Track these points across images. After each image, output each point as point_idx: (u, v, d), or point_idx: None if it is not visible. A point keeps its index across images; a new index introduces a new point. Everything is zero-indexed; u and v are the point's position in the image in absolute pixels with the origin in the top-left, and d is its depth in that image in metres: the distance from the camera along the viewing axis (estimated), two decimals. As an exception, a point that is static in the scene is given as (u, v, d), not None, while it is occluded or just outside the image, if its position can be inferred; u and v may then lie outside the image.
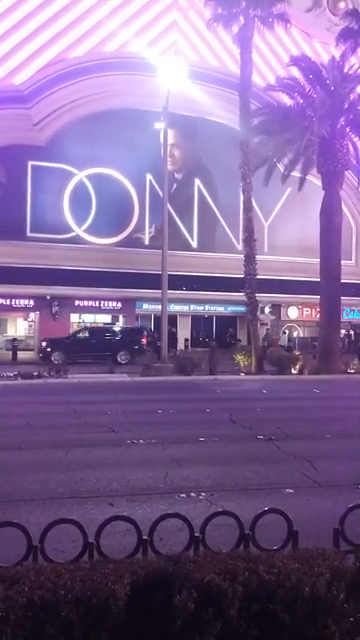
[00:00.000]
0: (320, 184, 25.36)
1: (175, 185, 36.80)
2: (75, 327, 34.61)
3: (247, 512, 4.46)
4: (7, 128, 32.14)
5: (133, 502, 6.28)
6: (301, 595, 2.77)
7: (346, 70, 24.56)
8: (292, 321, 41.78)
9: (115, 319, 38.02)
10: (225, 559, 2.97)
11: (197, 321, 40.54)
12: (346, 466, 7.96)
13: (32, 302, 34.53)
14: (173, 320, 34.73)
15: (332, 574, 2.92)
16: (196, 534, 3.40)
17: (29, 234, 33.73)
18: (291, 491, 6.74)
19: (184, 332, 38.40)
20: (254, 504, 5.96)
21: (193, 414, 12.70)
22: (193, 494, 6.57)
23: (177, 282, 30.04)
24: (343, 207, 26.66)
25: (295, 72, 26.00)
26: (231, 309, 38.64)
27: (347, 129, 24.35)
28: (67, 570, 2.81)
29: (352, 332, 40.61)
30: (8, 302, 34.21)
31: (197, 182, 37.82)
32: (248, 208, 24.67)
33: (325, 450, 8.99)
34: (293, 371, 22.93)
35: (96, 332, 31.32)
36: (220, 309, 39.68)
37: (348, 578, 2.99)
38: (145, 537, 3.33)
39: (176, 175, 37.31)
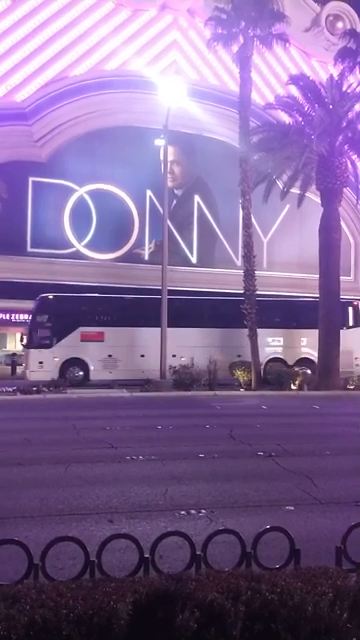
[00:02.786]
0: (319, 201, 25.53)
1: (175, 201, 37.02)
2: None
3: (247, 529, 4.45)
4: (8, 144, 32.40)
5: (133, 519, 6.24)
6: (304, 615, 2.75)
7: (344, 89, 24.83)
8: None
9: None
10: (227, 578, 2.96)
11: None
12: (346, 483, 7.92)
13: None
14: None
15: (335, 593, 2.91)
16: (197, 552, 3.39)
17: (29, 249, 33.84)
18: (291, 508, 6.70)
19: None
20: (254, 521, 5.93)
21: (192, 430, 12.66)
22: (193, 511, 6.54)
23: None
24: (342, 224, 26.80)
25: (294, 91, 26.29)
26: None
27: (345, 147, 24.56)
28: (69, 589, 2.80)
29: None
30: (8, 317, 34.22)
31: (197, 198, 38.06)
32: (247, 224, 24.82)
33: (325, 467, 8.95)
34: (293, 387, 22.90)
35: None
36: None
37: (351, 597, 2.97)
38: (147, 555, 3.32)
39: (176, 191, 37.54)
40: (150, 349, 23.70)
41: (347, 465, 9.16)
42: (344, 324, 26.17)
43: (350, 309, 27.40)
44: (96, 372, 24.53)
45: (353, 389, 23.17)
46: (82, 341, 24.67)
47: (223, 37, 25.02)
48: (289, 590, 2.86)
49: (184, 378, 22.17)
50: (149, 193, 35.71)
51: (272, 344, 26.22)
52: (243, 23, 24.45)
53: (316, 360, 24.49)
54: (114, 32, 35.27)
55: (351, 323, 27.07)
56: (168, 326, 23.18)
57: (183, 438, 11.51)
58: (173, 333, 23.35)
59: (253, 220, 25.58)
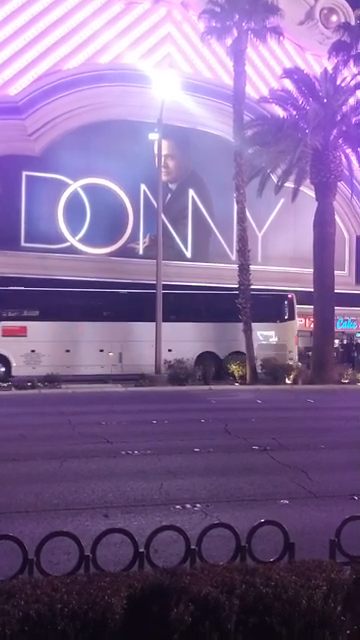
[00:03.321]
0: (313, 195, 25.52)
1: (169, 195, 36.90)
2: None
3: (242, 523, 4.46)
4: (1, 138, 32.19)
5: (128, 513, 6.26)
6: (298, 608, 2.77)
7: (338, 82, 24.81)
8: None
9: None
10: (222, 572, 2.97)
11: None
12: (341, 476, 7.96)
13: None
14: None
15: (329, 586, 2.92)
16: (192, 546, 3.40)
17: (23, 244, 33.67)
18: (286, 502, 6.74)
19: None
20: (249, 515, 5.96)
21: (188, 424, 12.68)
22: (188, 505, 6.56)
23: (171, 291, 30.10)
24: (336, 218, 26.83)
25: (288, 84, 26.25)
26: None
27: (340, 141, 24.56)
28: (63, 583, 2.80)
29: (345, 342, 40.67)
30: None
31: (191, 192, 37.94)
32: (242, 219, 24.80)
33: (320, 460, 8.99)
34: (287, 381, 22.96)
35: None
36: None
37: (345, 590, 2.99)
38: (141, 550, 3.32)
39: (170, 185, 37.43)
40: (76, 344, 23.50)
41: (341, 459, 9.21)
42: (278, 317, 26.30)
43: (285, 302, 27.11)
44: (18, 368, 23.75)
45: (347, 383, 23.26)
46: (4, 336, 24.07)
47: (217, 30, 24.93)
48: (283, 583, 2.87)
49: (179, 373, 22.18)
50: (143, 187, 35.58)
51: (204, 338, 25.41)
52: (237, 16, 24.36)
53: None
54: (107, 25, 35.03)
55: (286, 316, 26.86)
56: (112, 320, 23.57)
57: (178, 433, 11.54)
58: (115, 327, 23.63)
59: (248, 214, 25.57)
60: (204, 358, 25.09)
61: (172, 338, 24.27)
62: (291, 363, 24.94)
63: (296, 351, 26.68)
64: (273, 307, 26.66)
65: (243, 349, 24.66)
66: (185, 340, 24.76)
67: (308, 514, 6.31)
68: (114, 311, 25.75)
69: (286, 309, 26.99)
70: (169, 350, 24.29)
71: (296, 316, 27.40)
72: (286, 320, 26.74)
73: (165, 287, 26.47)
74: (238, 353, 25.09)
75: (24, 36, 33.49)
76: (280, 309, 26.79)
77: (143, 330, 24.54)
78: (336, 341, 28.76)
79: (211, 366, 24.66)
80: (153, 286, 26.68)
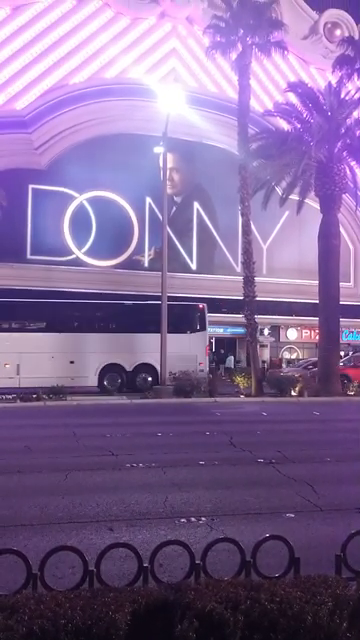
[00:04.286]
0: (318, 207, 25.59)
1: (174, 208, 37.11)
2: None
3: (248, 537, 4.44)
4: (8, 152, 32.53)
5: (133, 527, 6.22)
6: (303, 624, 2.74)
7: (342, 96, 24.96)
8: (291, 342, 41.79)
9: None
10: (227, 587, 2.95)
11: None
12: (347, 490, 7.90)
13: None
14: (219, 343, 34.83)
15: (334, 602, 2.89)
16: (197, 561, 3.38)
17: (29, 256, 33.91)
18: (292, 515, 6.68)
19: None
20: (255, 529, 5.92)
21: (193, 437, 12.64)
22: (193, 519, 6.52)
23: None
24: (341, 230, 26.86)
25: (292, 98, 26.41)
26: (230, 331, 38.68)
27: (344, 153, 24.65)
28: (67, 599, 2.79)
29: (351, 353, 40.54)
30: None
31: (196, 205, 38.15)
32: (247, 231, 24.87)
33: (326, 474, 8.93)
34: (293, 393, 22.88)
35: None
36: (220, 331, 39.71)
37: (350, 606, 2.96)
38: (146, 564, 3.30)
39: (175, 198, 37.65)
40: None
41: (348, 472, 9.14)
42: (189, 328, 25.72)
43: (196, 312, 26.52)
44: None
45: (353, 395, 23.15)
46: None
47: (222, 45, 25.16)
48: (288, 599, 2.84)
49: (184, 385, 22.15)
50: (148, 200, 35.80)
51: (109, 349, 24.65)
52: (242, 31, 24.59)
53: (157, 365, 23.72)
54: (113, 40, 35.46)
55: (197, 327, 26.26)
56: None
57: (183, 445, 11.49)
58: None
59: (252, 226, 25.64)
60: (108, 370, 24.61)
61: (74, 349, 23.87)
62: (202, 375, 24.24)
63: (207, 362, 25.99)
64: (184, 318, 25.96)
65: (151, 361, 24.25)
66: (88, 352, 24.20)
67: (314, 528, 6.26)
68: (11, 321, 24.91)
69: (197, 320, 26.36)
70: (71, 362, 23.84)
71: (207, 327, 26.86)
72: (197, 331, 26.10)
73: (64, 296, 26.31)
74: (146, 365, 24.69)
75: (31, 51, 33.91)
76: (191, 320, 26.19)
77: (43, 341, 23.85)
78: (341, 353, 28.61)
79: (116, 378, 24.41)
80: (48, 293, 26.84)
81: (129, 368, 24.81)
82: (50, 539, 5.71)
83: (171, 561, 4.47)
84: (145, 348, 24.38)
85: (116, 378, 24.71)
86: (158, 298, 24.28)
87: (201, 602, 2.76)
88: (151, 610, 2.77)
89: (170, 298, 24.08)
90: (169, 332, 23.17)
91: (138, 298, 32.48)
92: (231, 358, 38.09)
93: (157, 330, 23.14)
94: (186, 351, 24.08)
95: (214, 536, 5.60)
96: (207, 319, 26.80)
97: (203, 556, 3.41)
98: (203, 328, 26.40)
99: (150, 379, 24.51)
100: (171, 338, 23.26)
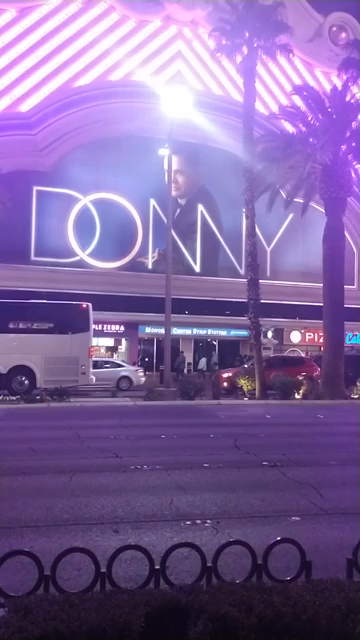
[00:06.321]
0: (323, 210, 25.58)
1: (178, 210, 37.17)
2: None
3: (254, 540, 4.42)
4: (13, 154, 32.63)
5: (138, 529, 6.21)
6: (318, 628, 2.73)
7: (348, 99, 24.94)
8: (295, 345, 41.77)
9: (118, 342, 38.05)
10: (239, 590, 2.94)
11: (200, 344, 40.52)
12: (353, 493, 7.88)
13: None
14: (175, 344, 34.69)
15: (348, 606, 2.89)
16: (208, 564, 3.37)
17: (33, 258, 33.99)
18: (298, 519, 6.66)
19: (187, 356, 38.38)
20: (261, 532, 5.91)
21: (197, 439, 12.62)
22: (199, 521, 6.50)
23: (180, 306, 30.13)
24: (345, 233, 26.85)
25: (297, 101, 26.43)
26: (234, 333, 38.70)
27: (349, 156, 24.64)
28: (81, 600, 2.78)
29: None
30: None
31: (200, 207, 38.20)
32: (251, 233, 24.86)
33: (331, 477, 8.90)
34: (297, 396, 22.85)
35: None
36: (223, 333, 39.73)
37: (364, 610, 2.95)
38: (157, 567, 3.30)
39: (180, 200, 37.70)
40: None
41: (353, 475, 9.11)
42: (71, 329, 24.21)
43: (79, 312, 24.90)
44: None
45: (358, 398, 23.10)
46: None
47: (227, 48, 25.19)
48: (302, 603, 2.83)
49: (188, 387, 22.13)
50: (153, 202, 35.86)
51: None
52: (247, 34, 24.62)
53: (34, 368, 22.93)
54: (119, 43, 35.58)
55: (79, 328, 24.52)
56: None
57: (188, 447, 11.47)
58: None
59: (257, 229, 25.63)
60: None
61: None
62: (83, 378, 23.34)
63: (89, 365, 24.35)
64: (66, 318, 24.62)
65: (28, 363, 23.14)
66: None
67: (320, 531, 6.24)
68: None
69: (79, 320, 24.58)
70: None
71: (91, 327, 25.08)
72: (79, 332, 24.38)
73: None
74: (23, 367, 23.27)
75: (36, 53, 34.03)
76: (73, 320, 24.53)
77: None
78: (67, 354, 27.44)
79: None
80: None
81: (3, 370, 23.15)
82: (56, 541, 5.70)
83: (177, 563, 4.46)
84: (22, 349, 23.20)
85: None
86: (162, 300, 24.27)
87: (215, 605, 2.76)
88: (165, 612, 2.77)
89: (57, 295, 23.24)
90: (48, 332, 22.41)
91: (141, 300, 32.47)
92: (203, 360, 37.72)
93: (36, 331, 22.53)
94: (67, 353, 22.97)
95: (220, 539, 5.59)
96: (92, 319, 25.09)
97: (215, 559, 3.40)
98: (86, 329, 24.57)
99: (27, 382, 23.19)
100: (50, 339, 22.36)
